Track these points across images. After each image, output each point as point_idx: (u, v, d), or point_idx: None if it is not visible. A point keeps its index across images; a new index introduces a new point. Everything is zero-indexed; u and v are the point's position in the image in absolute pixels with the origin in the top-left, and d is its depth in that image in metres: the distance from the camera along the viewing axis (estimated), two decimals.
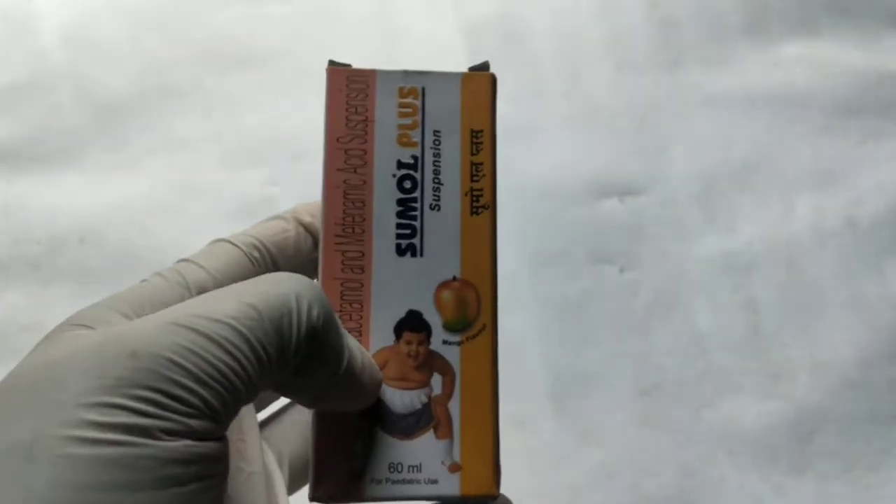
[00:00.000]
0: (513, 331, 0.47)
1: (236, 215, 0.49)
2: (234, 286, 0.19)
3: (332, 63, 0.24)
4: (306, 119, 0.51)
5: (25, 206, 0.49)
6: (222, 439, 0.18)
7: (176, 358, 0.16)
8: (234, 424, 0.23)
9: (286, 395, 0.20)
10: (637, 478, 0.46)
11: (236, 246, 0.23)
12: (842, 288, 0.49)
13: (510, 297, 0.45)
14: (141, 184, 0.50)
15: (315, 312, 0.19)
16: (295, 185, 0.49)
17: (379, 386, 0.22)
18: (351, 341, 0.20)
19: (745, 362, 0.48)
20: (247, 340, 0.17)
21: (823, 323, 0.49)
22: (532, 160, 0.51)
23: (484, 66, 0.24)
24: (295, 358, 0.18)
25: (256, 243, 0.24)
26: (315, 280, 0.22)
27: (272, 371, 0.18)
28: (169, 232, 0.49)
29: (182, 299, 0.21)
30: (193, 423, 0.16)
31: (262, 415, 0.26)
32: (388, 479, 0.22)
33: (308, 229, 0.25)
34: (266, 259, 0.24)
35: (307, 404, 0.21)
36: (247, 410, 0.24)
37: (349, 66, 0.24)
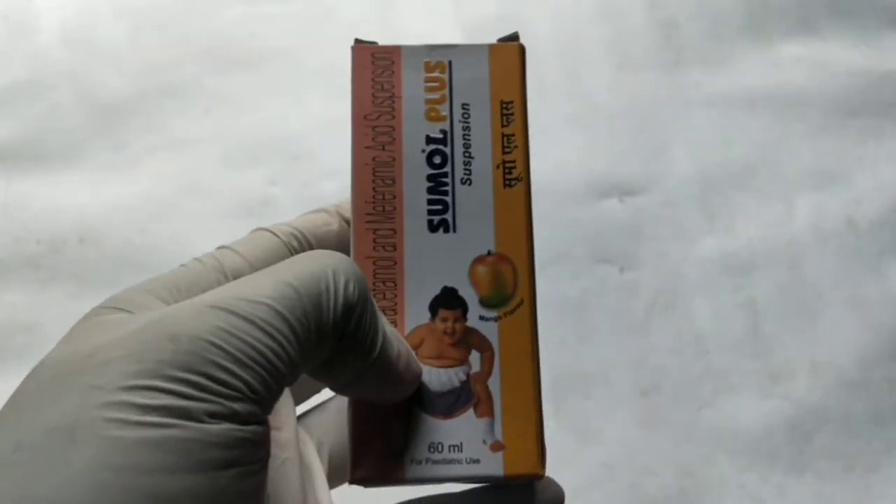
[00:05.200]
0: None
1: (236, 215, 0.49)
2: (271, 268, 0.19)
3: (357, 41, 0.24)
4: (306, 119, 0.51)
5: (25, 206, 0.49)
6: (264, 423, 0.17)
7: (216, 340, 0.16)
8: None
9: (319, 379, 0.20)
10: (637, 478, 0.46)
11: (276, 235, 0.23)
12: (842, 288, 0.49)
13: None
14: (141, 184, 0.50)
15: (351, 287, 0.18)
16: (295, 185, 0.49)
17: (417, 379, 0.21)
18: (389, 328, 0.20)
19: (744, 362, 0.48)
20: (285, 320, 0.17)
21: (823, 323, 0.49)
22: (532, 160, 0.51)
23: (513, 37, 0.24)
24: (333, 335, 0.18)
25: (297, 234, 0.24)
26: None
27: (312, 350, 0.18)
28: (169, 232, 0.49)
29: (219, 284, 0.21)
30: (236, 405, 0.16)
31: (305, 406, 0.26)
32: (428, 460, 0.21)
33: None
34: (305, 250, 0.23)
35: (339, 390, 0.20)
36: (284, 399, 0.23)
37: (375, 43, 0.23)
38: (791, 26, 0.54)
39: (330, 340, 0.18)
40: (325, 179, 0.49)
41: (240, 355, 0.16)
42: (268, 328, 0.17)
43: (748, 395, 0.47)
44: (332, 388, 0.20)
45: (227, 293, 0.17)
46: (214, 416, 0.16)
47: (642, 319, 0.48)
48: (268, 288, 0.18)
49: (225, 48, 0.52)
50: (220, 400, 0.16)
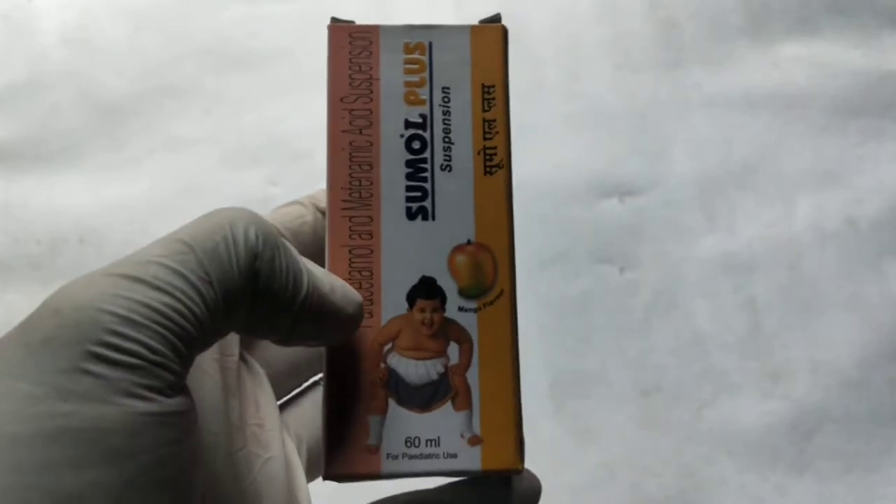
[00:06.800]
0: None
1: None
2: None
3: (334, 20, 0.23)
4: (306, 119, 0.51)
5: (25, 206, 0.49)
6: (177, 395, 0.16)
7: (104, 305, 0.15)
8: (250, 408, 0.22)
9: (257, 336, 0.19)
10: (637, 478, 0.46)
11: None
12: (842, 288, 0.49)
13: None
14: (141, 184, 0.50)
15: (252, 233, 0.18)
16: (295, 185, 0.49)
17: (359, 308, 0.20)
18: (314, 267, 0.19)
19: (745, 362, 0.48)
20: (180, 275, 0.16)
21: (823, 323, 0.49)
22: (532, 160, 0.51)
23: (495, 19, 0.23)
24: (243, 285, 0.17)
25: None
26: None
27: (224, 306, 0.17)
28: (169, 232, 0.49)
29: None
30: (134, 375, 0.15)
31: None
32: (404, 455, 0.21)
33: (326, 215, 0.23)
34: None
35: (285, 343, 0.19)
36: (264, 394, 0.23)
37: (352, 22, 0.23)
38: (791, 26, 0.54)
39: (241, 292, 0.17)
40: (324, 179, 0.49)
41: (133, 315, 0.15)
42: (162, 285, 0.16)
43: (748, 395, 0.47)
44: (278, 343, 0.19)
45: (118, 261, 0.16)
46: (117, 392, 0.15)
47: (642, 319, 0.48)
48: (158, 248, 0.17)
49: (225, 48, 0.52)
50: (119, 371, 0.15)
